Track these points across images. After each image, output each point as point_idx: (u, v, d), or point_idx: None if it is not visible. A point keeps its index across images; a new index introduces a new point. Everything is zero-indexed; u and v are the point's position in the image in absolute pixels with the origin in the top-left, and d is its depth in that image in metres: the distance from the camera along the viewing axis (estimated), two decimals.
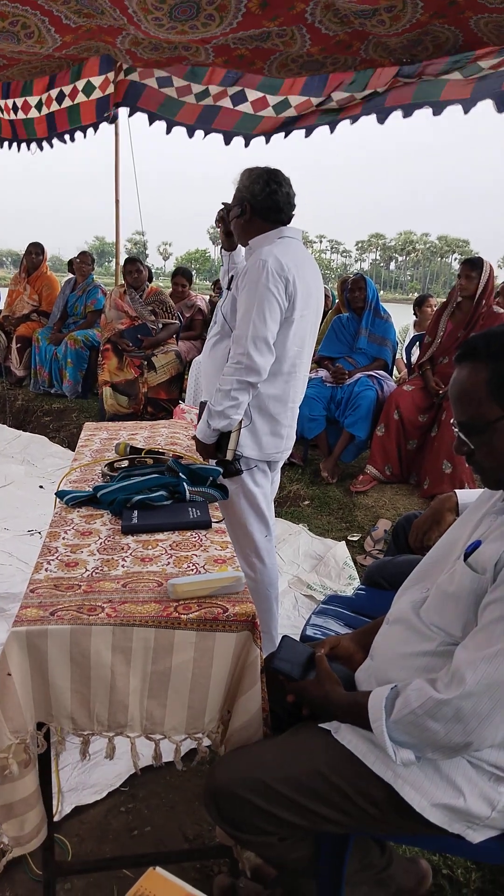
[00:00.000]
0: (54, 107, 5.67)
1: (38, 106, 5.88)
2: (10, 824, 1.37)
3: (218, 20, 3.58)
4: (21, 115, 5.99)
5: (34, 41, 4.02)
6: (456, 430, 1.20)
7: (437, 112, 3.99)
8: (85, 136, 6.10)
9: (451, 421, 1.23)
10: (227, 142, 4.86)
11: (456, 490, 1.77)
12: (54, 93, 5.57)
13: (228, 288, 2.30)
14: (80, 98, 5.53)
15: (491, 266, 4.18)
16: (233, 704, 1.40)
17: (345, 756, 1.21)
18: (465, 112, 3.89)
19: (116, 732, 1.39)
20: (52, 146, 6.05)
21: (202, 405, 2.29)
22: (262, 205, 2.16)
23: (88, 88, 5.46)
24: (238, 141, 4.85)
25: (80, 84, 5.43)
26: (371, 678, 1.30)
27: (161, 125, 5.03)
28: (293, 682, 1.36)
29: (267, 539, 2.42)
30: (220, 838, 1.51)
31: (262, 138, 4.80)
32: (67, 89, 5.52)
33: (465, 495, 1.69)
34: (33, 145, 6.14)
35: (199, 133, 4.91)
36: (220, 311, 2.24)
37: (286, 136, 4.66)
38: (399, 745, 1.15)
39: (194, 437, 2.32)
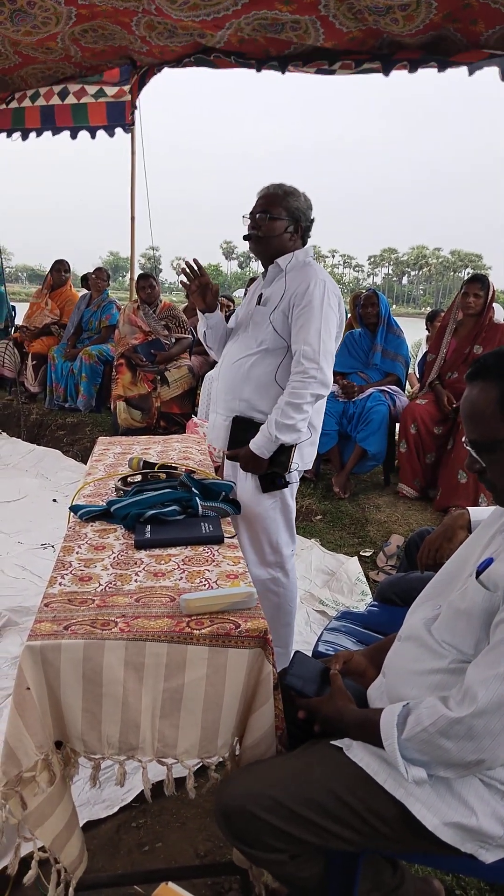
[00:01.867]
0: (55, 100, 5.77)
1: (34, 97, 5.97)
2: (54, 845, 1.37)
3: None
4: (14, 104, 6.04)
5: (50, 13, 4.03)
6: (468, 447, 1.21)
7: (441, 67, 3.91)
8: (94, 137, 6.17)
9: (463, 439, 1.24)
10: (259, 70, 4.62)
11: (468, 508, 1.78)
12: (57, 88, 5.67)
13: (258, 303, 2.30)
14: (88, 99, 5.63)
15: (491, 281, 4.21)
16: (245, 722, 1.40)
17: (356, 774, 1.21)
18: (470, 73, 3.82)
19: (128, 756, 1.38)
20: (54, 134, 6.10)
21: (238, 421, 2.29)
22: (306, 228, 2.30)
23: (99, 94, 5.56)
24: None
25: (91, 89, 5.53)
26: (383, 695, 1.30)
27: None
28: (305, 698, 1.36)
29: (292, 553, 2.43)
30: (236, 860, 1.51)
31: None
32: (74, 87, 5.61)
33: (478, 512, 1.69)
34: (32, 134, 6.22)
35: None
36: (272, 325, 2.22)
37: (282, 71, 4.50)
38: (411, 763, 1.15)
39: (235, 453, 2.30)
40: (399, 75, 4.13)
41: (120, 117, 5.98)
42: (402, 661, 1.29)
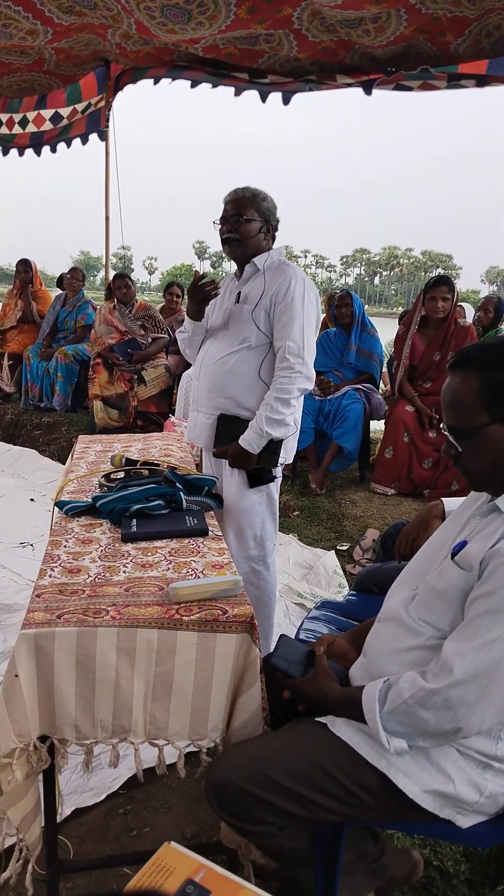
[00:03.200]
0: (46, 126, 5.75)
1: (23, 123, 5.95)
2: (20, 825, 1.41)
3: (208, 25, 3.67)
4: (4, 129, 6.04)
5: (26, 33, 4.08)
6: (445, 433, 1.29)
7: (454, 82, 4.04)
8: (69, 147, 6.20)
9: (441, 425, 1.31)
10: (194, 85, 4.82)
11: (442, 498, 1.86)
12: (47, 113, 5.64)
13: (237, 301, 2.35)
14: (77, 117, 5.62)
15: (451, 280, 4.30)
16: (234, 705, 1.46)
17: (341, 747, 1.27)
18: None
19: (120, 739, 1.43)
20: (38, 154, 6.13)
21: (224, 418, 2.32)
22: (275, 227, 2.38)
23: (87, 108, 5.57)
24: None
25: (80, 106, 5.52)
26: (364, 674, 1.37)
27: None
28: (290, 679, 1.43)
29: (275, 546, 2.50)
30: (223, 840, 1.57)
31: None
32: (65, 112, 5.60)
33: (451, 502, 1.77)
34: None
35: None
36: (254, 323, 2.27)
37: (262, 99, 4.66)
38: (392, 735, 1.22)
39: (223, 450, 2.33)
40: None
41: (95, 124, 6.01)
42: (382, 641, 1.36)
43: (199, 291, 2.34)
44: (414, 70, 3.96)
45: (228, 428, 2.30)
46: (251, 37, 3.89)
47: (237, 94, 4.80)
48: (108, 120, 5.78)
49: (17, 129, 6.04)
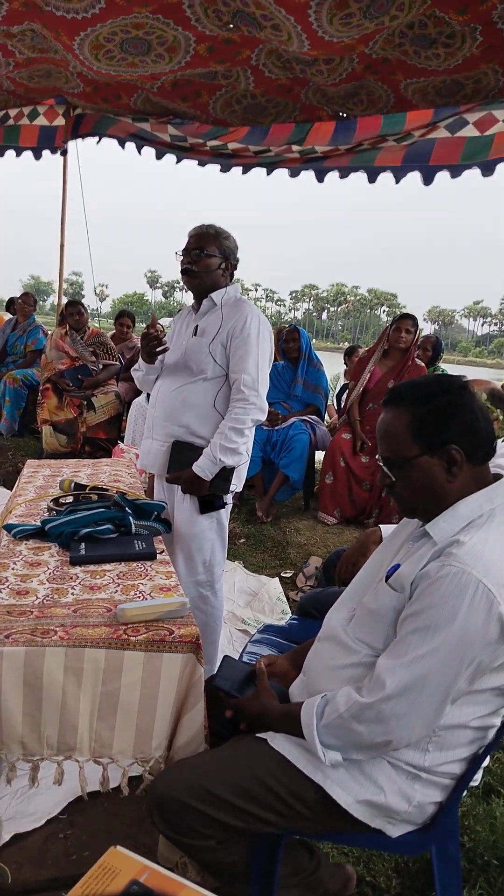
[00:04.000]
0: None
1: None
2: None
3: (167, 59, 3.79)
4: None
5: None
6: (380, 463, 1.39)
7: (371, 179, 4.39)
8: (18, 156, 6.15)
9: (377, 456, 1.42)
10: (159, 157, 5.05)
11: (380, 525, 1.96)
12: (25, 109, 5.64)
13: (194, 334, 2.44)
14: (24, 121, 5.63)
15: (417, 320, 4.57)
16: (177, 724, 1.51)
17: (279, 761, 1.33)
18: (397, 181, 4.30)
19: (66, 756, 1.46)
20: None
21: (179, 445, 2.37)
22: (234, 265, 2.49)
23: (33, 114, 5.58)
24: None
25: (27, 110, 5.55)
26: (304, 691, 1.44)
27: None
28: (233, 698, 1.48)
29: (222, 572, 2.55)
30: (161, 858, 1.59)
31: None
32: (13, 112, 5.61)
33: (388, 528, 1.87)
34: None
35: (146, 150, 5.11)
36: (211, 356, 2.35)
37: (223, 170, 4.90)
38: (328, 748, 1.29)
39: (176, 476, 2.38)
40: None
41: (49, 140, 5.99)
42: (321, 659, 1.43)
43: (149, 343, 2.42)
44: (363, 113, 4.21)
45: (182, 454, 2.37)
46: (210, 73, 4.04)
47: (201, 165, 5.01)
48: (65, 144, 5.81)
49: None
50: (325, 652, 1.43)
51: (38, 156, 6.08)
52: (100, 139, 5.39)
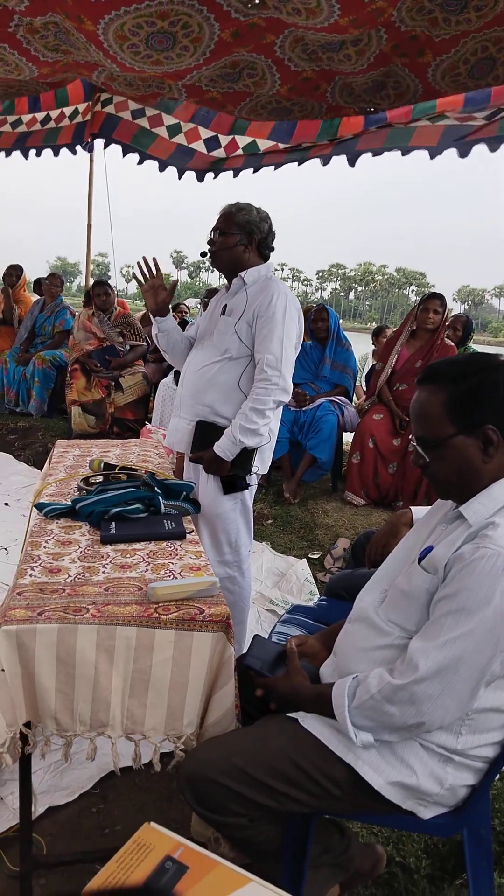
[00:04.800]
0: (36, 127, 5.78)
1: (16, 124, 5.97)
2: None
3: (192, 50, 3.72)
4: None
5: (11, 69, 4.11)
6: (414, 444, 1.37)
7: (405, 153, 4.27)
8: (56, 155, 6.21)
9: (410, 436, 1.39)
10: (200, 179, 5.10)
11: (411, 507, 1.94)
12: (40, 116, 5.68)
13: (223, 314, 2.43)
14: (65, 122, 5.66)
15: (446, 299, 4.47)
16: (208, 702, 1.51)
17: (311, 741, 1.33)
18: (431, 158, 4.19)
19: (98, 732, 1.47)
20: (25, 157, 6.15)
21: (203, 425, 2.38)
22: (266, 241, 2.43)
23: (74, 114, 5.61)
24: (208, 181, 5.11)
25: (68, 110, 5.57)
26: (334, 672, 1.44)
27: (134, 156, 5.22)
28: (263, 677, 1.48)
29: (249, 553, 2.55)
30: (194, 833, 1.61)
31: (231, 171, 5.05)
32: (54, 113, 5.64)
33: (419, 511, 1.85)
34: None
35: (172, 169, 5.14)
36: (237, 335, 2.34)
37: (255, 171, 4.90)
38: (359, 729, 1.28)
39: (199, 456, 2.39)
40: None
41: (81, 137, 6.05)
42: (352, 641, 1.42)
43: (146, 285, 2.47)
44: (391, 106, 4.11)
45: (206, 434, 2.36)
46: (234, 75, 3.96)
47: (235, 175, 4.99)
48: (92, 136, 5.83)
49: (6, 128, 6.04)
50: (356, 633, 1.42)
51: (73, 151, 6.11)
52: (139, 157, 5.41)
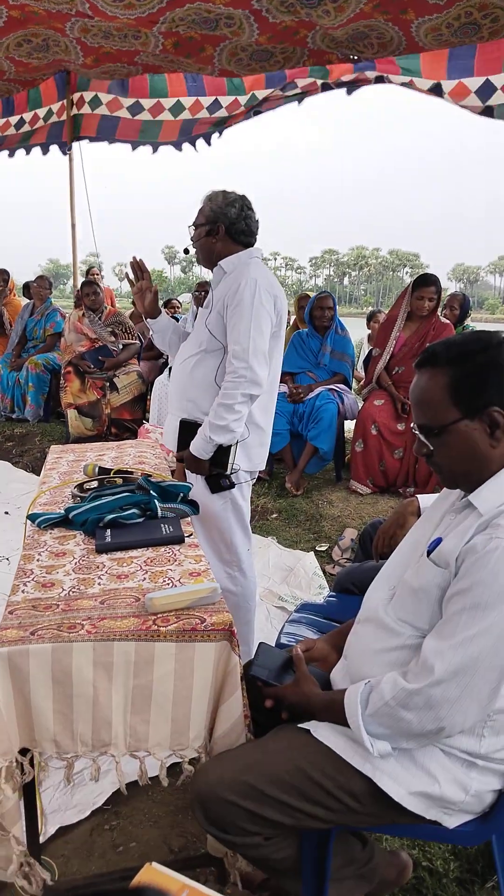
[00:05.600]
0: (10, 131, 5.73)
1: None
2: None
3: None
4: None
5: None
6: (416, 432, 1.28)
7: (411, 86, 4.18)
8: (28, 154, 6.16)
9: (412, 424, 1.31)
10: (179, 148, 5.07)
11: (417, 495, 1.86)
12: (14, 119, 5.63)
13: (199, 306, 2.36)
14: (39, 124, 5.60)
15: (439, 280, 4.35)
16: (215, 714, 1.44)
17: (325, 753, 1.26)
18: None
19: (101, 752, 1.40)
20: None
21: (184, 423, 2.30)
22: (236, 227, 2.27)
23: (48, 115, 5.54)
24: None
25: (42, 112, 5.51)
26: (346, 677, 1.36)
27: (119, 152, 5.30)
28: (271, 687, 1.41)
29: (248, 552, 2.47)
30: (210, 849, 1.54)
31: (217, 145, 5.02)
32: (28, 116, 5.59)
33: (426, 499, 1.77)
34: None
35: (146, 149, 5.12)
36: (207, 328, 2.25)
37: (254, 114, 4.88)
38: (375, 738, 1.21)
39: (181, 455, 2.32)
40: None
41: (58, 136, 5.98)
42: (362, 643, 1.35)
43: (135, 287, 2.43)
44: (374, 56, 4.01)
45: (189, 431, 2.28)
46: (210, 20, 3.84)
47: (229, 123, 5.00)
48: (71, 135, 5.77)
49: None
50: (365, 634, 1.34)
51: (45, 151, 6.06)
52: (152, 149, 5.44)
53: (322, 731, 1.28)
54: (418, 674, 1.16)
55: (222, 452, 2.22)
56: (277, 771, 1.25)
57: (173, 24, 3.94)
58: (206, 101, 5.01)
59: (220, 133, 5.15)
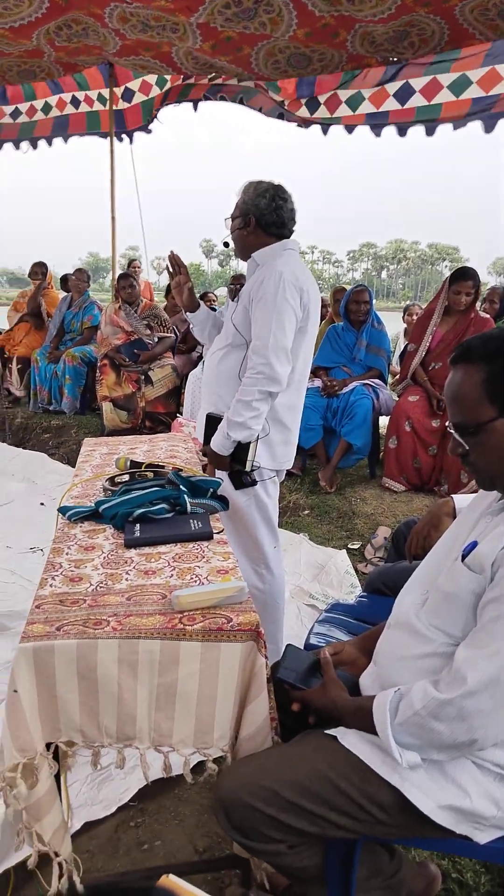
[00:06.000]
0: (69, 109, 5.86)
1: (46, 109, 6.03)
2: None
3: None
4: (24, 118, 6.13)
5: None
6: (451, 430, 1.23)
7: (429, 133, 4.21)
8: (66, 143, 6.25)
9: (447, 423, 1.26)
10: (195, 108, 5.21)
11: (453, 495, 1.80)
12: (67, 97, 5.75)
13: (233, 299, 2.32)
14: (98, 106, 5.71)
15: (478, 274, 4.24)
16: (241, 715, 1.41)
17: (351, 761, 1.22)
18: (455, 129, 4.12)
19: (125, 744, 1.40)
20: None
21: (210, 418, 2.29)
22: (266, 219, 2.22)
23: (101, 99, 5.63)
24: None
25: (93, 94, 5.62)
26: (375, 683, 1.32)
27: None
28: (298, 690, 1.37)
29: (276, 550, 2.44)
30: (236, 851, 1.52)
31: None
32: (80, 95, 5.71)
33: (462, 499, 1.71)
34: (25, 144, 6.31)
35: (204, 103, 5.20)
36: (232, 322, 2.23)
37: (282, 117, 5.01)
38: (404, 748, 1.17)
39: (205, 450, 2.31)
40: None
41: (96, 125, 6.03)
42: (393, 648, 1.30)
43: (172, 282, 2.43)
44: (415, 55, 3.93)
45: (213, 426, 2.27)
46: (249, 11, 3.77)
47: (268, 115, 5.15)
48: (116, 125, 5.83)
49: (39, 116, 6.07)
50: (396, 640, 1.30)
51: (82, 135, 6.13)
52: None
53: (349, 739, 1.25)
54: (450, 683, 1.11)
55: (242, 449, 2.19)
56: (302, 778, 1.22)
57: (212, 17, 3.88)
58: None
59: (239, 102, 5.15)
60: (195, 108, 5.41)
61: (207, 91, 5.15)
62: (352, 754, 1.22)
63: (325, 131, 4.94)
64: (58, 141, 6.33)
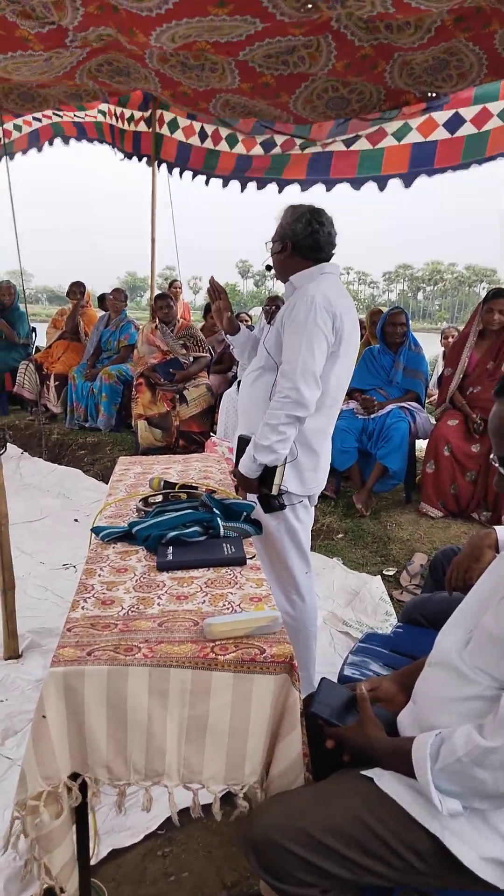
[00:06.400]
0: (112, 119, 6.08)
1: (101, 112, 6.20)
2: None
3: (241, 23, 3.54)
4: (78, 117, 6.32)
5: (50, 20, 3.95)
6: (496, 464, 1.18)
7: (381, 185, 4.91)
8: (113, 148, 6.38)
9: (492, 456, 1.21)
10: (261, 187, 5.28)
11: (495, 527, 1.74)
12: (115, 109, 5.91)
13: (269, 322, 2.32)
14: (143, 127, 5.91)
15: None
16: (273, 750, 1.37)
17: (388, 805, 1.17)
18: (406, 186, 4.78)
19: (154, 782, 1.36)
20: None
21: (241, 440, 2.29)
22: (302, 243, 2.21)
23: (133, 118, 5.84)
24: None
25: (128, 113, 5.83)
26: (414, 724, 1.27)
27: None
28: (332, 726, 1.33)
29: (307, 576, 2.39)
30: (263, 891, 1.47)
31: (296, 186, 5.21)
32: (119, 111, 5.93)
33: None
34: (58, 141, 6.58)
35: (235, 183, 5.34)
36: (264, 345, 2.24)
37: (304, 188, 5.31)
38: (445, 795, 1.11)
39: (234, 472, 2.31)
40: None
41: (137, 147, 6.19)
42: (433, 688, 1.25)
43: (213, 307, 2.49)
44: (452, 89, 3.95)
45: (242, 448, 2.26)
46: (288, 48, 3.80)
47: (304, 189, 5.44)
48: (168, 165, 6.02)
49: (88, 119, 6.33)
50: (437, 680, 1.24)
51: (129, 157, 6.29)
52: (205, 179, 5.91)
53: (386, 781, 1.19)
54: (496, 730, 1.06)
55: (270, 472, 2.16)
56: (336, 820, 1.17)
57: (252, 56, 3.91)
58: (261, 137, 5.19)
59: (281, 188, 5.39)
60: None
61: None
62: (389, 798, 1.17)
63: (357, 188, 5.19)
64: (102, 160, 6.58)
